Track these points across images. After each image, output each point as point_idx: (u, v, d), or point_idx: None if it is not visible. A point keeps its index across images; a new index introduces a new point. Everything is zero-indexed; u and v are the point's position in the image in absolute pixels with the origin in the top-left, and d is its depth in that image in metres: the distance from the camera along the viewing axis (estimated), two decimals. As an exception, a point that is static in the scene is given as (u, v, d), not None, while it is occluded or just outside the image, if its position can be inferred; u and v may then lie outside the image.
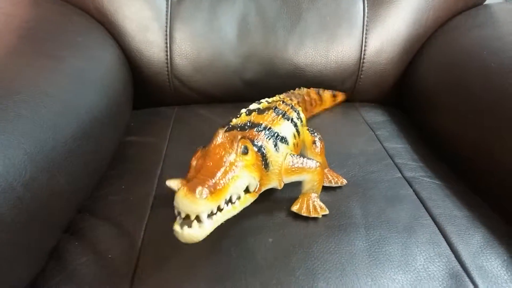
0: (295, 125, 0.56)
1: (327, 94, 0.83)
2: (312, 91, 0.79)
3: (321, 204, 0.51)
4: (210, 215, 0.39)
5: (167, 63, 0.83)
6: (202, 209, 0.36)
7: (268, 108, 0.55)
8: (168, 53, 0.82)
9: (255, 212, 0.50)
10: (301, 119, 0.60)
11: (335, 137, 0.70)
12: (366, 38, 0.81)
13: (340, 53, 0.82)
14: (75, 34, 0.70)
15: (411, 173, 0.61)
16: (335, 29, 0.81)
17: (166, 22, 0.82)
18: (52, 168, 0.47)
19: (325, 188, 0.55)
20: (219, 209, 0.40)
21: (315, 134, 0.58)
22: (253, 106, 0.58)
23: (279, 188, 0.50)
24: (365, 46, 0.81)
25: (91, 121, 0.59)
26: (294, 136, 0.55)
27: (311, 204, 0.50)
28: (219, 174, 0.39)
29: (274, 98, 0.66)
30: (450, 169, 0.64)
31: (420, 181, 0.59)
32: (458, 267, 0.45)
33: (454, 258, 0.46)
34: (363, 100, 0.86)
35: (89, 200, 0.57)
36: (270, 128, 0.51)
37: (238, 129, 0.49)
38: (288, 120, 0.55)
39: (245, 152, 0.43)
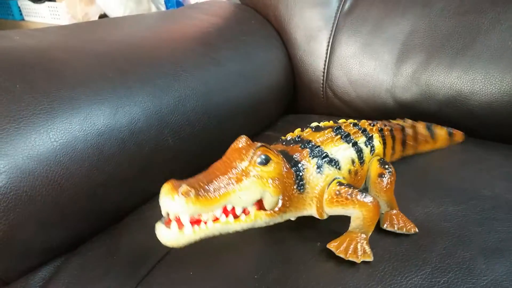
0: (359, 151, 0.48)
1: (441, 131, 0.67)
2: (421, 125, 0.65)
3: (367, 248, 0.42)
4: (199, 222, 0.35)
5: (323, 72, 0.85)
6: (180, 210, 0.32)
7: (329, 127, 0.49)
8: (326, 63, 0.85)
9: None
10: (373, 147, 0.51)
11: (471, 172, 0.59)
12: (558, 69, 0.65)
13: (518, 85, 0.68)
14: (243, 34, 0.81)
15: (551, 234, 0.46)
16: (518, 56, 0.68)
17: (331, 33, 0.85)
18: (164, 127, 0.56)
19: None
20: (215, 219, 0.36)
21: (387, 167, 0.48)
22: (315, 123, 0.51)
23: (319, 217, 0.44)
24: (555, 79, 0.65)
25: (222, 104, 0.67)
26: (353, 162, 0.47)
27: (353, 245, 0.41)
28: (219, 180, 0.35)
29: (356, 121, 0.55)
30: None
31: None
32: None
33: None
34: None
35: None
36: (318, 146, 0.45)
37: (284, 144, 0.46)
38: (348, 143, 0.48)
39: (264, 162, 0.38)
